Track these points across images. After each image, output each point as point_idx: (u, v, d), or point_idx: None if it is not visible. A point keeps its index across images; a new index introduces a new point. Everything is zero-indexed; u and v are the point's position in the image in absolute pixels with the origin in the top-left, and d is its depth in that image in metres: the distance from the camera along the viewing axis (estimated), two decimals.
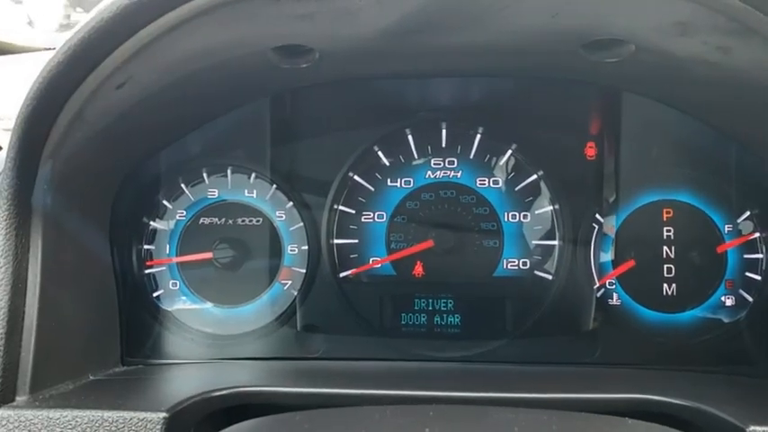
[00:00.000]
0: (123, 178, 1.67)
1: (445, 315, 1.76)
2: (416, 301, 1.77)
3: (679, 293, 1.72)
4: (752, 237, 1.71)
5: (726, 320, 1.71)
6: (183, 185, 1.80)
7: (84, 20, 1.16)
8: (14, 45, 2.50)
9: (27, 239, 1.31)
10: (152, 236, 1.80)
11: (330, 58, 1.42)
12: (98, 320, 1.59)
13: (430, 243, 1.76)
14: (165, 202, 1.80)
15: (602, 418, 1.20)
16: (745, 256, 1.72)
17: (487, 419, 1.21)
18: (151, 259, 1.79)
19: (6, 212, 1.28)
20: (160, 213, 1.80)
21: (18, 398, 1.27)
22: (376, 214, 1.79)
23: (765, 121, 1.44)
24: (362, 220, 1.79)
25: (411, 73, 1.63)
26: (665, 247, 1.74)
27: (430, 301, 1.77)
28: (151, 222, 1.80)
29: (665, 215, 1.75)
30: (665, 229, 1.74)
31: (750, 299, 1.71)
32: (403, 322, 1.77)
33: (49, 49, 2.48)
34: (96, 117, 1.32)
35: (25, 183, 1.29)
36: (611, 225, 1.76)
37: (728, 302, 1.72)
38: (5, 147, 1.30)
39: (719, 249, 1.72)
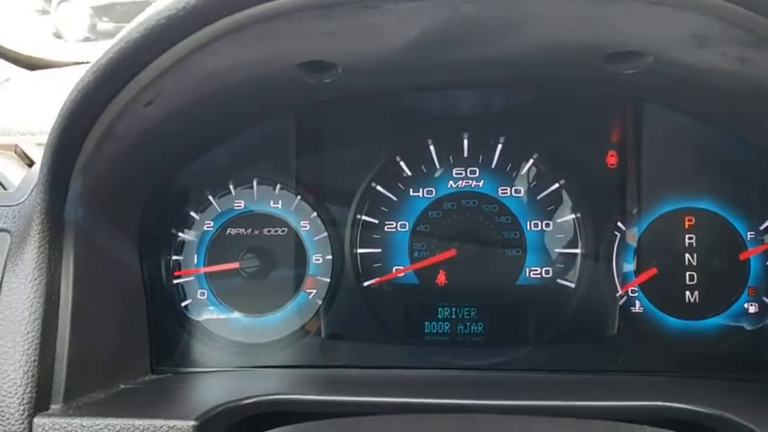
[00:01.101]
0: (152, 191, 1.70)
1: (468, 323, 1.77)
2: (439, 309, 1.77)
3: (702, 301, 1.71)
4: None
5: (749, 328, 1.70)
6: (210, 197, 1.82)
7: (113, 39, 1.19)
8: (42, 59, 2.55)
9: (59, 252, 1.35)
10: (180, 247, 1.82)
11: (352, 72, 1.44)
12: (128, 330, 1.62)
13: (452, 252, 1.76)
14: (192, 214, 1.82)
15: (624, 426, 1.20)
16: None
17: (511, 428, 1.22)
18: (179, 270, 1.81)
19: (39, 226, 1.31)
20: (188, 225, 1.82)
21: (53, 406, 1.30)
22: (399, 224, 1.80)
23: None
24: (385, 229, 1.80)
25: (432, 85, 1.65)
26: (687, 255, 1.73)
27: (453, 309, 1.77)
28: (179, 234, 1.82)
29: (686, 223, 1.74)
30: (687, 236, 1.73)
31: None
32: (426, 330, 1.77)
33: (79, 63, 2.53)
34: (125, 133, 1.35)
35: (58, 197, 1.32)
36: (632, 233, 1.75)
37: (751, 309, 1.71)
38: (38, 162, 1.34)
39: (742, 256, 1.71)
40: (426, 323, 1.78)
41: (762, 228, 1.71)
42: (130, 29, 1.17)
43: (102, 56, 1.19)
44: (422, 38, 1.25)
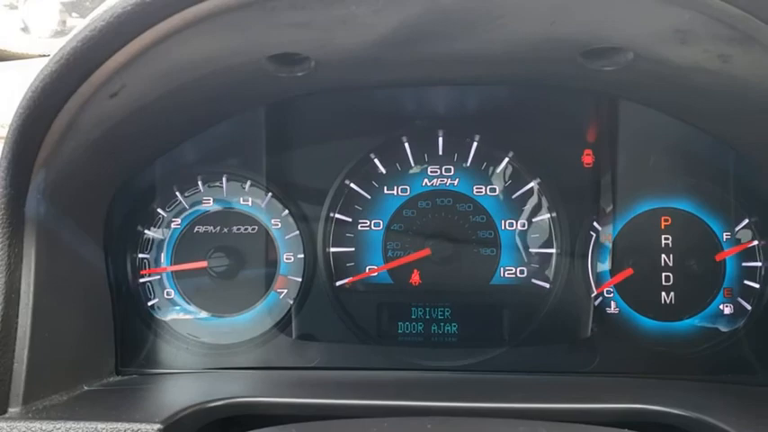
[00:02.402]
0: (118, 187, 1.66)
1: (442, 324, 1.75)
2: (413, 309, 1.76)
3: (677, 302, 1.72)
4: (750, 245, 1.71)
5: (724, 329, 1.70)
6: (177, 194, 1.79)
7: (77, 27, 1.15)
8: (9, 52, 2.49)
9: (20, 249, 1.30)
10: (147, 245, 1.79)
11: (326, 66, 1.42)
12: (92, 330, 1.58)
13: (427, 251, 1.75)
14: (159, 211, 1.79)
15: (601, 430, 1.19)
16: (744, 264, 1.71)
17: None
18: (146, 268, 1.78)
19: None
20: (155, 222, 1.79)
21: (11, 409, 1.26)
22: (372, 222, 1.78)
23: (762, 129, 1.43)
24: (359, 228, 1.78)
25: (408, 81, 1.62)
26: (663, 256, 1.73)
27: (427, 309, 1.76)
28: (146, 231, 1.79)
29: (663, 223, 1.74)
30: (663, 237, 1.74)
31: (749, 307, 1.70)
32: (400, 331, 1.76)
33: (45, 55, 2.47)
34: (90, 126, 1.31)
35: (18, 192, 1.27)
36: (608, 233, 1.75)
37: (727, 311, 1.71)
38: None
39: (718, 257, 1.71)
40: (400, 324, 1.76)
41: (737, 229, 1.72)
42: (95, 17, 1.13)
43: (65, 45, 1.15)
44: (398, 31, 1.22)
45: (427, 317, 1.76)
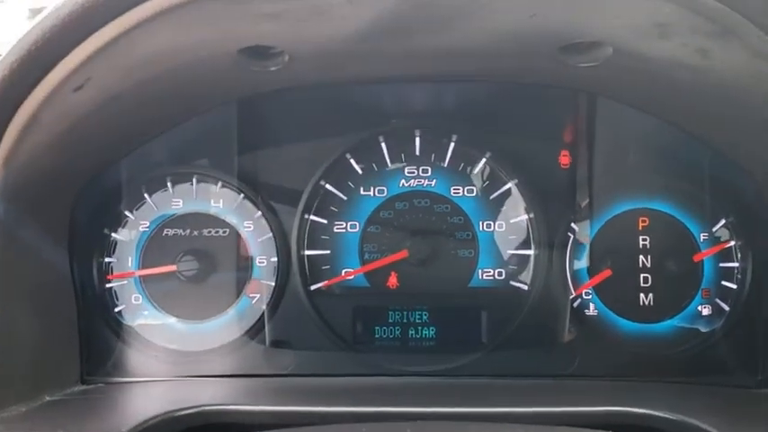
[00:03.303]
0: (83, 187, 1.61)
1: (420, 327, 1.73)
2: (390, 313, 1.73)
3: (656, 303, 1.72)
4: (727, 245, 1.71)
5: (703, 330, 1.71)
6: (146, 195, 1.75)
7: (39, 16, 1.10)
8: None
9: None
10: (113, 248, 1.75)
11: (300, 60, 1.38)
12: (56, 337, 1.54)
13: (404, 253, 1.72)
14: (127, 213, 1.75)
15: None
16: (721, 264, 1.72)
17: None
18: (112, 272, 1.74)
19: None
20: (122, 224, 1.75)
21: None
22: (348, 224, 1.75)
23: (741, 127, 1.43)
24: (335, 230, 1.75)
25: (384, 77, 1.60)
26: (641, 257, 1.73)
27: (404, 313, 1.73)
28: (112, 234, 1.74)
29: (640, 224, 1.74)
30: (641, 237, 1.73)
31: (726, 308, 1.70)
32: (377, 336, 1.73)
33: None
34: (53, 121, 1.26)
35: None
36: (586, 234, 1.74)
37: (705, 312, 1.71)
38: None
39: (696, 258, 1.71)
40: (377, 328, 1.74)
41: (715, 229, 1.72)
42: (58, 5, 1.08)
43: (25, 35, 1.10)
44: (375, 23, 1.19)
45: (404, 321, 1.73)
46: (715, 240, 1.72)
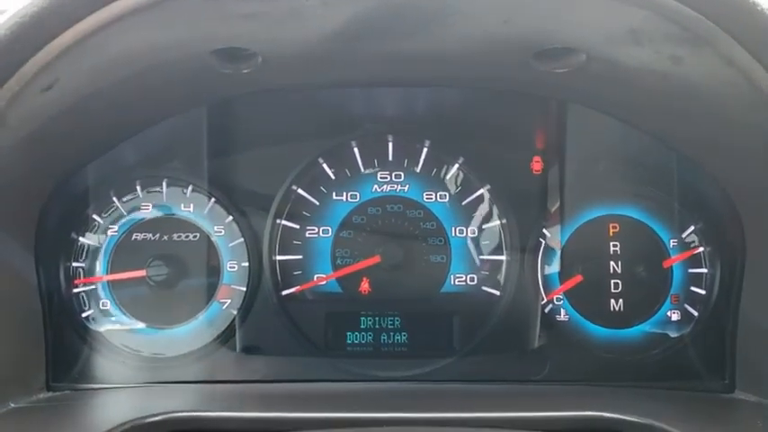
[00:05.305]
0: (50, 191, 1.57)
1: (392, 333, 1.72)
2: (363, 319, 1.72)
3: (626, 309, 1.73)
4: (696, 251, 1.73)
5: (672, 335, 1.72)
6: (114, 199, 1.72)
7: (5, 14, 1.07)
8: None
9: None
10: (81, 253, 1.72)
11: (274, 63, 1.37)
12: (21, 343, 1.51)
13: (377, 259, 1.72)
14: (95, 217, 1.72)
15: None
16: (690, 270, 1.73)
17: None
18: (80, 277, 1.71)
19: None
20: (90, 228, 1.72)
21: None
22: (321, 229, 1.74)
23: (712, 135, 1.45)
24: (307, 235, 1.74)
25: (357, 82, 1.59)
26: (611, 263, 1.74)
27: (376, 319, 1.72)
28: (80, 238, 1.71)
29: (611, 230, 1.75)
30: (611, 243, 1.75)
31: (695, 313, 1.72)
32: (348, 341, 1.72)
33: None
34: (20, 123, 1.23)
35: None
36: (557, 240, 1.75)
37: (674, 317, 1.73)
38: None
39: (665, 264, 1.73)
40: (349, 334, 1.72)
41: (684, 235, 1.73)
42: (27, 2, 1.06)
43: None
44: (349, 26, 1.19)
45: (377, 326, 1.72)
46: (684, 247, 1.73)
